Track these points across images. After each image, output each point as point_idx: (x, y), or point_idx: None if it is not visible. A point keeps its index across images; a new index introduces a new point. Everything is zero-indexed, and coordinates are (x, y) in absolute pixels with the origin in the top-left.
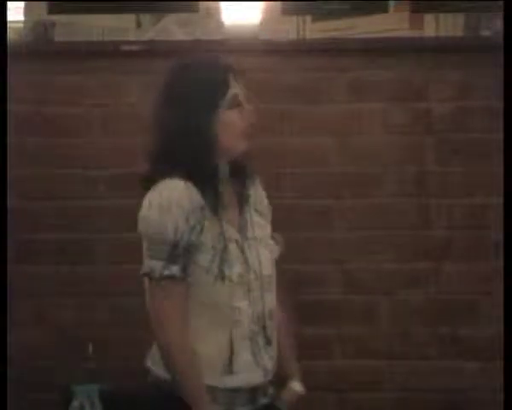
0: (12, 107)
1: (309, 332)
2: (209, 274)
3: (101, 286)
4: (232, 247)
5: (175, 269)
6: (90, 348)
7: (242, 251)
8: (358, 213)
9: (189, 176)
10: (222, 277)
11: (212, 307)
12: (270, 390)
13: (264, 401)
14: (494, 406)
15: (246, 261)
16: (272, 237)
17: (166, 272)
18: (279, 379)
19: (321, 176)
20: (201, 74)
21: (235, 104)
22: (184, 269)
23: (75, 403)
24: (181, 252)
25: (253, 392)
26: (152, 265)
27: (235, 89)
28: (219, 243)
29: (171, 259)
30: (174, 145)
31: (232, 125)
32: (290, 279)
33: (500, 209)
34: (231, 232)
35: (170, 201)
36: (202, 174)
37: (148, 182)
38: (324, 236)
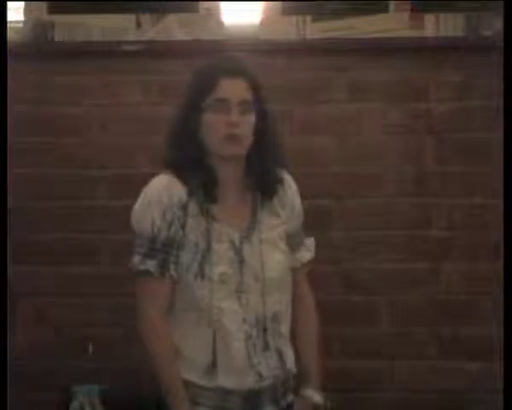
0: (12, 107)
1: None
2: (189, 272)
3: (101, 286)
4: (220, 247)
5: (151, 264)
6: (91, 348)
7: (238, 252)
8: (358, 213)
9: (177, 173)
10: (202, 275)
11: (193, 306)
12: (286, 398)
13: (270, 409)
14: (494, 406)
15: (241, 262)
16: (302, 242)
17: (142, 267)
18: (298, 385)
19: (321, 176)
20: (195, 76)
21: (219, 108)
22: (163, 265)
23: (75, 403)
24: (159, 248)
25: (251, 398)
26: (133, 259)
27: (225, 94)
28: (203, 241)
29: (148, 254)
30: (166, 143)
31: (212, 129)
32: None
33: (500, 209)
34: (225, 232)
35: (150, 196)
36: (188, 172)
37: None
38: (324, 236)
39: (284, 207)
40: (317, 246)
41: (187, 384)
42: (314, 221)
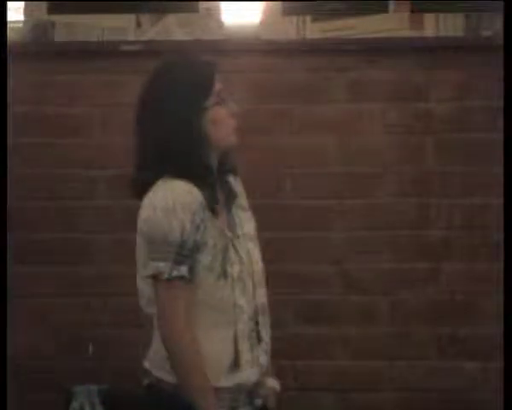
0: (12, 107)
1: (309, 332)
2: (212, 273)
3: (101, 286)
4: (231, 245)
5: (183, 269)
6: (91, 348)
7: (235, 249)
8: (358, 213)
9: (188, 176)
10: (225, 275)
11: (216, 306)
12: (263, 391)
13: (259, 402)
14: (494, 406)
15: (240, 259)
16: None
17: (175, 273)
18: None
19: (321, 176)
20: (187, 74)
21: (221, 100)
22: (192, 270)
23: (75, 404)
24: (188, 252)
25: (251, 391)
26: (159, 266)
27: (220, 85)
28: (220, 241)
29: (179, 260)
30: (169, 146)
31: (221, 121)
32: (289, 279)
33: (500, 209)
34: (227, 231)
35: (175, 202)
36: (200, 174)
37: (143, 185)
38: (324, 236)
39: (244, 199)
40: (317, 246)
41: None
42: (314, 221)
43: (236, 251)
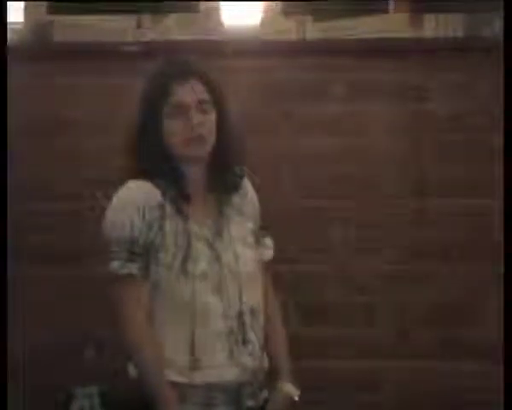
0: (12, 108)
1: (308, 333)
2: (171, 271)
3: (101, 287)
4: (199, 244)
5: (133, 267)
6: (91, 349)
7: (213, 249)
8: (358, 213)
9: (149, 177)
10: (185, 273)
11: (177, 304)
12: (262, 393)
13: (250, 403)
14: (494, 407)
15: (218, 259)
16: (261, 240)
17: (125, 271)
18: (271, 381)
19: (321, 176)
20: (147, 83)
21: (178, 114)
22: (145, 267)
23: (75, 405)
24: (140, 250)
25: (233, 391)
26: (112, 265)
27: (181, 98)
28: (182, 240)
29: (129, 257)
30: (134, 149)
31: (174, 134)
32: (289, 279)
33: (500, 210)
34: (200, 231)
35: (125, 200)
36: (160, 175)
37: (120, 185)
38: (324, 236)
39: (247, 204)
40: (317, 246)
41: (172, 385)
42: (314, 221)
43: (213, 250)
